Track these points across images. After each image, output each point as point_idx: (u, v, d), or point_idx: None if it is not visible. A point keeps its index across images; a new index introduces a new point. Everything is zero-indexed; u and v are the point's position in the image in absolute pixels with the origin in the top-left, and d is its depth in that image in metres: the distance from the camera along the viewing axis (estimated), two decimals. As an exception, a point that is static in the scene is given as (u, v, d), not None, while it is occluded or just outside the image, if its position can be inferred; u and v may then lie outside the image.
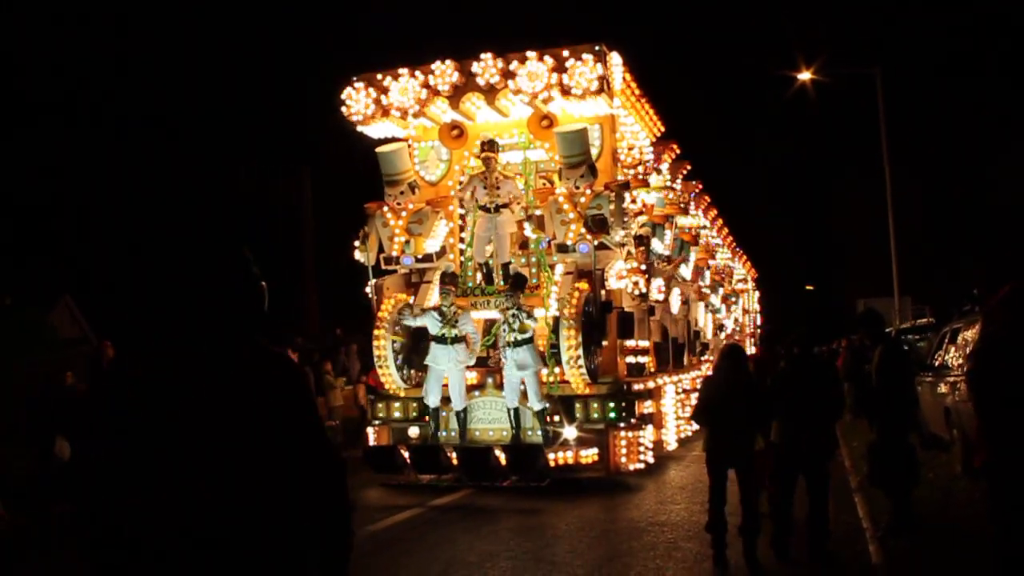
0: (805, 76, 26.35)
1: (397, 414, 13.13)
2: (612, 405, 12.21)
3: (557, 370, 12.35)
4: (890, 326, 19.29)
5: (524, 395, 12.33)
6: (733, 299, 29.77)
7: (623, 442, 12.39)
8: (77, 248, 37.97)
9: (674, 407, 15.86)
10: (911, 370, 8.85)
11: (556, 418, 12.44)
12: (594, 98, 12.38)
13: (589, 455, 12.10)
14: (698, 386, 19.48)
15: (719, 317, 25.24)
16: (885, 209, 25.19)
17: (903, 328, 22.77)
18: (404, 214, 13.39)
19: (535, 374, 12.19)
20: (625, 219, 12.71)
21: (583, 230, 12.29)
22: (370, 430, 13.45)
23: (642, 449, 12.72)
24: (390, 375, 12.96)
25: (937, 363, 12.73)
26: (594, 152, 13.39)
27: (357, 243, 13.40)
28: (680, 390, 17.18)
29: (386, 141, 13.94)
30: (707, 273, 22.39)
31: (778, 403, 7.76)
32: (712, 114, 64.68)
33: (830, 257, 50.86)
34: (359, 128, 13.62)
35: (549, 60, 12.38)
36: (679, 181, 18.88)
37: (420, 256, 13.34)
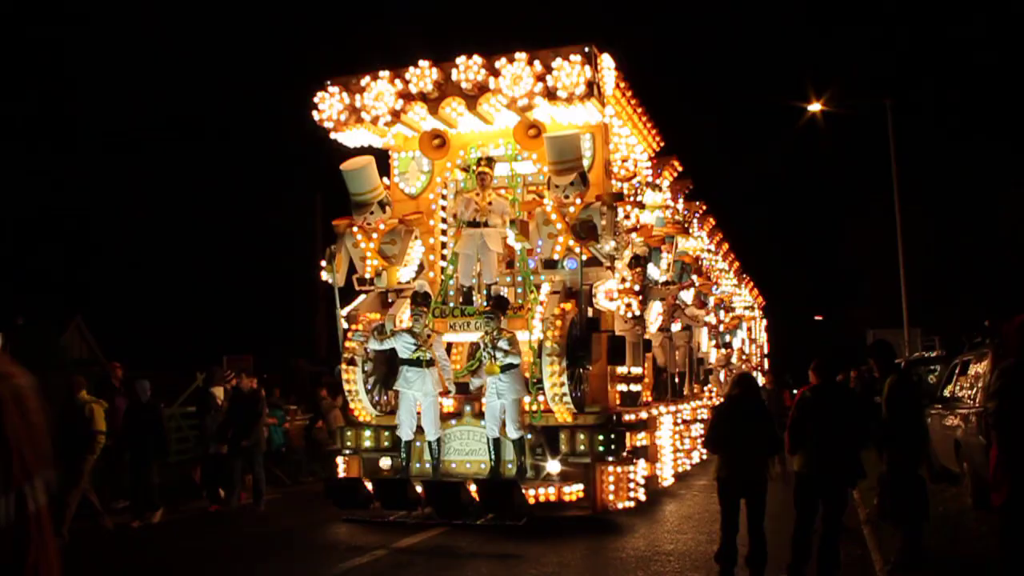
0: (816, 107, 25.63)
1: (368, 443, 11.66)
2: (600, 437, 10.71)
3: (541, 398, 10.88)
4: (900, 357, 18.36)
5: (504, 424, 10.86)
6: (738, 326, 28.16)
7: (611, 477, 10.87)
8: (88, 273, 37.32)
9: (671, 439, 14.32)
10: (921, 402, 8.71)
11: (539, 451, 10.96)
12: (582, 103, 10.99)
13: (573, 491, 10.60)
14: (700, 416, 18.01)
15: (724, 345, 23.60)
16: (895, 240, 24.34)
17: (912, 359, 21.40)
18: (375, 236, 11.94)
19: (516, 402, 10.74)
20: (617, 231, 11.27)
21: (571, 241, 10.84)
22: (339, 460, 11.97)
23: (632, 485, 11.19)
24: (361, 403, 11.51)
25: (947, 395, 12.32)
26: (585, 163, 12.00)
27: (323, 263, 11.93)
28: (679, 420, 15.66)
29: (361, 152, 12.57)
30: (711, 299, 20.87)
31: (801, 431, 7.47)
32: (719, 140, 63.16)
33: (840, 287, 49.50)
34: (332, 135, 12.24)
35: (536, 63, 10.98)
36: (681, 200, 17.48)
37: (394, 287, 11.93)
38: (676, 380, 17.63)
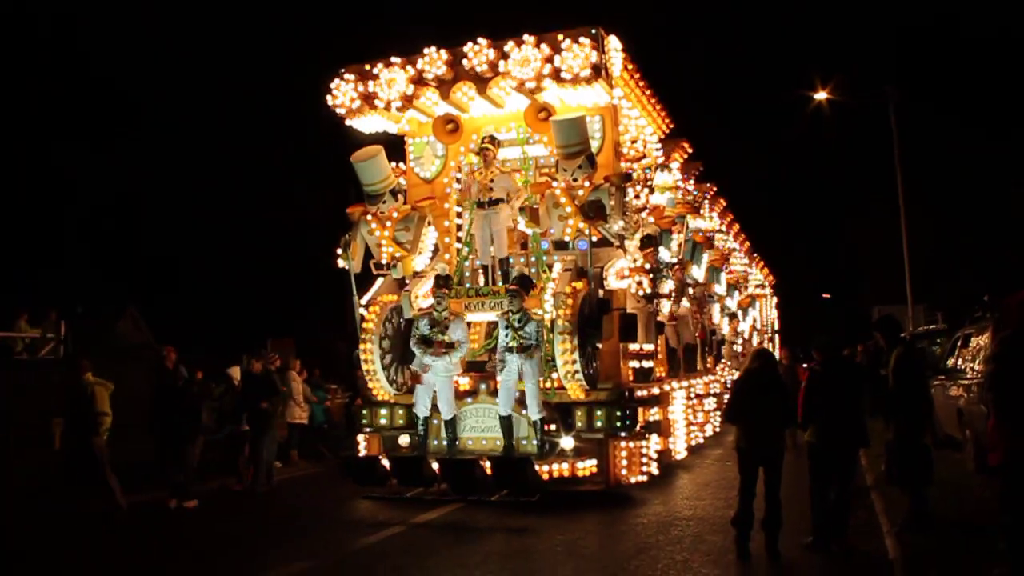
0: (821, 96, 25.90)
1: (383, 421, 11.74)
2: (612, 413, 10.75)
3: (555, 376, 10.90)
4: (904, 331, 18.14)
5: (520, 403, 10.90)
6: (750, 303, 28.09)
7: (624, 452, 10.91)
8: (143, 263, 37.91)
9: (684, 413, 14.34)
10: (925, 373, 9.05)
11: (553, 427, 11.00)
12: (590, 84, 10.96)
13: (587, 467, 10.66)
14: (712, 391, 18.03)
15: (736, 320, 23.53)
16: (899, 220, 24.56)
17: (917, 333, 21.56)
18: (389, 224, 11.98)
19: (536, 384, 10.77)
20: (626, 211, 11.26)
21: (581, 223, 10.84)
22: (360, 438, 12.07)
23: (645, 460, 11.24)
24: (379, 382, 11.58)
25: (950, 367, 12.70)
26: (595, 144, 12.00)
27: (339, 251, 11.98)
28: (692, 395, 15.68)
29: (375, 139, 12.60)
30: (722, 275, 20.83)
31: (811, 405, 7.84)
32: (727, 126, 62.56)
33: (846, 266, 49.47)
34: (347, 122, 12.25)
35: (544, 46, 10.94)
36: (692, 182, 17.39)
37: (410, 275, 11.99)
38: (689, 354, 17.64)
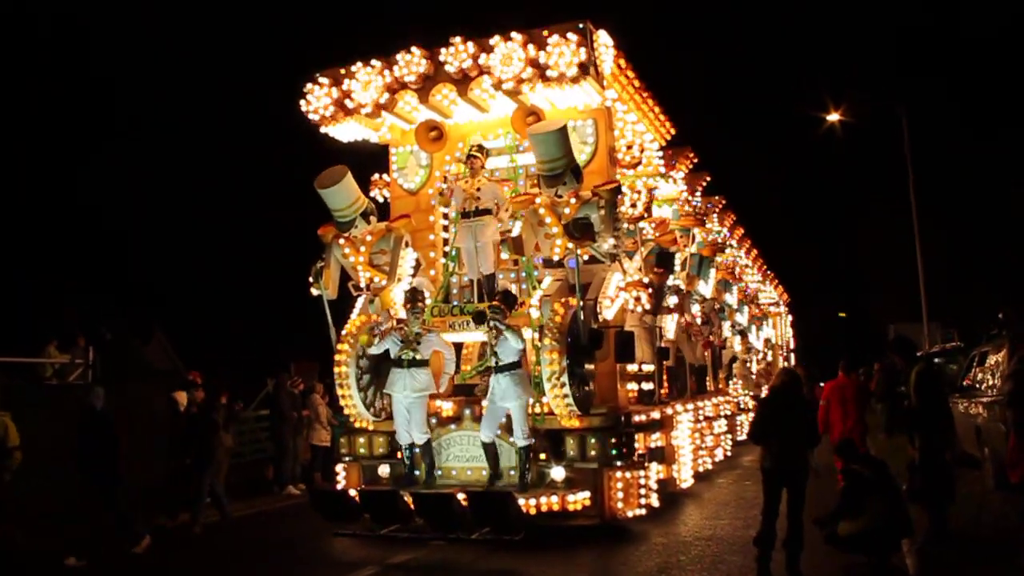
0: (833, 117, 25.23)
1: (362, 450, 10.53)
2: (607, 440, 9.48)
3: (545, 399, 9.65)
4: (920, 350, 17.91)
5: (507, 429, 9.66)
6: (763, 320, 26.72)
7: (620, 484, 9.63)
8: (169, 288, 37.32)
9: (691, 438, 13.03)
10: (944, 390, 8.97)
11: (542, 456, 9.75)
12: (578, 84, 9.77)
13: (579, 499, 9.36)
14: (723, 412, 16.68)
15: (747, 337, 22.14)
16: (912, 237, 23.58)
17: (932, 352, 20.41)
18: (363, 248, 10.73)
19: (521, 407, 9.53)
20: (617, 225, 10.02)
21: (570, 243, 9.61)
22: (339, 468, 10.84)
23: (644, 491, 9.95)
24: (355, 408, 10.37)
25: (967, 384, 12.39)
26: (587, 150, 10.85)
27: (311, 279, 10.71)
28: (701, 417, 14.36)
29: (352, 150, 11.47)
30: (733, 289, 19.53)
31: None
32: (734, 137, 61.05)
33: (861, 284, 48.46)
34: (323, 129, 11.12)
35: (530, 47, 9.77)
36: (698, 194, 16.18)
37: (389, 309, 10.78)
38: (698, 374, 16.34)
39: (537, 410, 9.77)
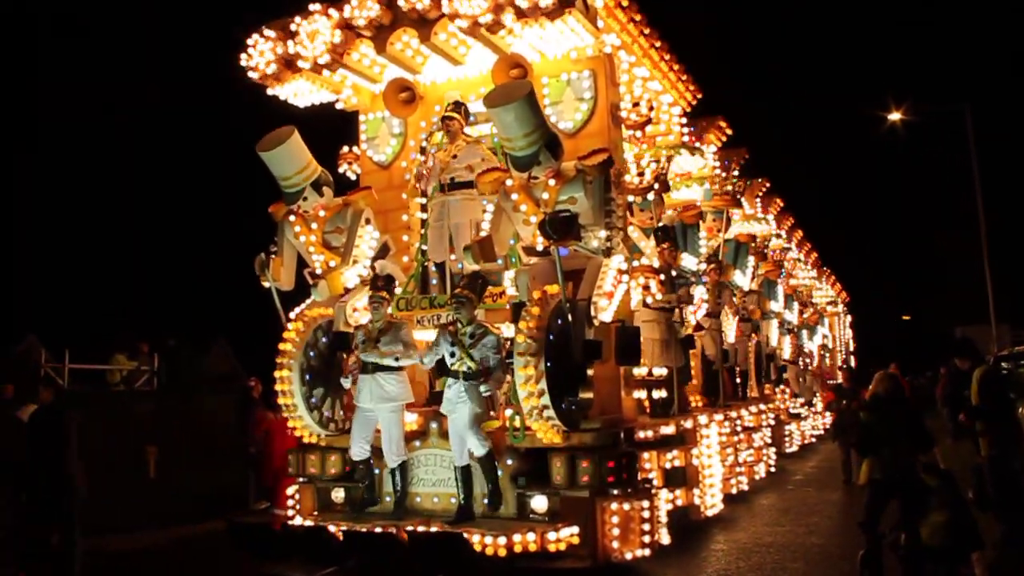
0: (895, 116, 23.95)
1: (313, 470, 8.52)
2: (601, 461, 7.32)
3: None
4: (988, 353, 16.75)
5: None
6: (818, 320, 24.04)
7: (616, 517, 7.44)
8: (231, 294, 36.75)
9: (722, 455, 10.74)
10: (1009, 394, 8.72)
11: (521, 481, 7.62)
12: (561, 19, 7.63)
13: (564, 537, 7.22)
14: (766, 421, 14.30)
15: (796, 338, 19.54)
16: (980, 238, 21.94)
17: (1001, 355, 18.12)
18: (315, 226, 8.79)
19: (477, 406, 7.46)
20: (611, 210, 7.80)
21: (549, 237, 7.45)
22: (291, 491, 8.85)
23: (648, 526, 7.71)
24: (301, 421, 8.37)
25: None
26: (584, 108, 8.69)
27: (256, 270, 8.70)
28: (738, 428, 12.03)
29: (315, 116, 9.48)
30: (778, 288, 17.07)
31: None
32: (797, 149, 57.99)
33: (926, 285, 45.72)
34: (270, 91, 9.17)
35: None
36: (736, 171, 13.79)
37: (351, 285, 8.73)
38: (738, 380, 14.01)
39: (517, 424, 7.64)
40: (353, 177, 10.26)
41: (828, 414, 19.23)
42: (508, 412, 7.66)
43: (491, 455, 7.48)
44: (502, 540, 7.01)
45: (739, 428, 12.16)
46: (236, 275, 8.91)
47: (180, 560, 9.37)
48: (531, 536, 7.10)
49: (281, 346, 8.31)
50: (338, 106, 9.78)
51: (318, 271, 8.76)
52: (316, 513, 8.43)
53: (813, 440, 20.37)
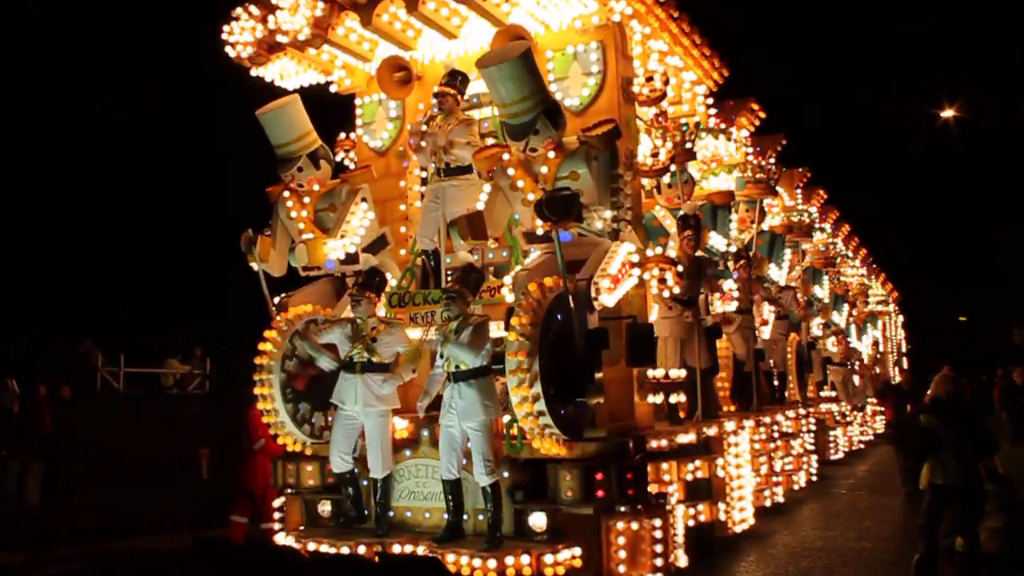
0: (948, 113, 24.28)
1: (290, 479, 7.78)
2: (608, 474, 6.42)
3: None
4: None
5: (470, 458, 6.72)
6: (867, 319, 22.74)
7: (623, 538, 6.54)
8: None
9: (754, 464, 9.75)
10: None
11: (518, 495, 6.76)
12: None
13: (564, 559, 6.36)
14: (806, 427, 13.21)
15: (844, 338, 18.29)
16: None
17: None
18: (308, 200, 8.08)
19: (485, 426, 6.59)
20: (619, 187, 6.92)
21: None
22: (279, 502, 8.12)
23: (661, 547, 6.78)
24: (283, 427, 7.63)
25: None
26: (591, 83, 7.82)
27: (243, 249, 8.05)
28: (774, 434, 11.01)
29: (307, 98, 8.69)
30: (824, 281, 15.94)
31: None
32: (843, 142, 56.17)
33: (983, 286, 44.10)
34: (254, 72, 8.45)
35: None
36: (772, 160, 12.74)
37: (343, 258, 7.97)
38: (776, 382, 12.94)
39: (513, 432, 6.79)
40: (351, 166, 9.50)
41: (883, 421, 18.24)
42: (506, 419, 6.83)
43: (497, 487, 6.60)
44: (492, 563, 6.19)
45: (775, 434, 11.15)
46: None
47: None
48: (525, 559, 6.27)
49: (262, 345, 7.58)
50: (332, 89, 9.03)
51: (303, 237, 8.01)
52: (302, 528, 7.70)
53: (862, 447, 19.15)
